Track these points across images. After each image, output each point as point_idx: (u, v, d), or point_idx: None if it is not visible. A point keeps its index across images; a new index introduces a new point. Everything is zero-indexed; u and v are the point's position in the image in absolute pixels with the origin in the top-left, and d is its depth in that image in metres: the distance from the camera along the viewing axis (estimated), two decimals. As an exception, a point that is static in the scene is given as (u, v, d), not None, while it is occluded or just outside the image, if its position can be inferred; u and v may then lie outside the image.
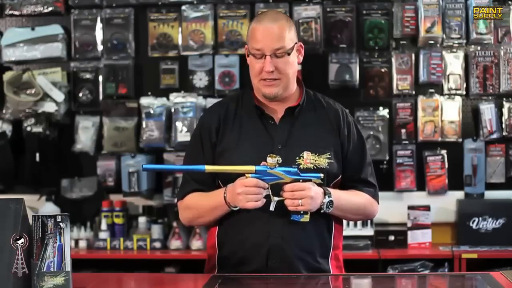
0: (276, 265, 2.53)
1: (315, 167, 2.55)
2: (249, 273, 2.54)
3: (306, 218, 2.48)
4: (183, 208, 2.65)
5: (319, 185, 2.51)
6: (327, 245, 2.62)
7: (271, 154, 2.44)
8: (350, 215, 2.68)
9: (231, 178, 2.51)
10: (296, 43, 2.59)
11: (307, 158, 2.56)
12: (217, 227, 2.63)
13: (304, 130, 2.61)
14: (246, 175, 2.43)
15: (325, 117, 2.65)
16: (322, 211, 2.51)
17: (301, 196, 2.44)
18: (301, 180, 2.47)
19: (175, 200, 4.39)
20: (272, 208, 2.46)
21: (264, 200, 2.44)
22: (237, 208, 2.49)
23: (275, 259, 2.54)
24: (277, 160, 2.43)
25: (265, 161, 2.46)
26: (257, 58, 2.55)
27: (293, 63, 2.59)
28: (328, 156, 2.58)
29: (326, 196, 2.50)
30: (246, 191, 2.42)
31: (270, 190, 2.45)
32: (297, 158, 2.55)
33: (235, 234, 2.57)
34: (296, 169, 2.47)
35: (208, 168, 2.44)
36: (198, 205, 2.60)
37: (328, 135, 2.62)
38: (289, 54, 2.55)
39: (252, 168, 2.43)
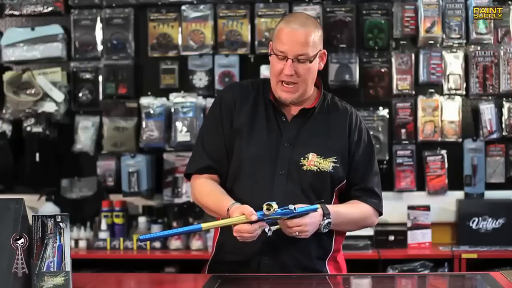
0: (268, 262, 2.54)
1: (318, 170, 2.55)
2: (241, 264, 2.55)
3: None
4: (194, 188, 2.64)
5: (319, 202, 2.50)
6: (326, 248, 2.62)
7: (269, 204, 2.39)
8: (346, 228, 2.67)
9: (239, 162, 2.54)
10: (320, 50, 2.58)
11: (312, 160, 2.56)
12: None
13: (313, 132, 2.61)
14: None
15: (338, 121, 2.64)
16: (318, 231, 2.50)
17: (297, 230, 2.44)
18: (298, 216, 2.43)
19: (178, 197, 4.46)
20: (269, 234, 2.44)
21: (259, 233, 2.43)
22: None
23: (268, 255, 2.54)
24: (274, 210, 2.39)
25: (272, 164, 2.47)
26: (279, 59, 2.54)
27: (314, 70, 2.58)
28: (333, 160, 2.58)
29: (325, 218, 2.49)
30: (242, 236, 2.41)
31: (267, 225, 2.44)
32: (302, 158, 2.56)
33: None
34: (292, 209, 2.42)
35: (205, 226, 2.41)
36: (204, 200, 2.61)
37: (337, 139, 2.61)
38: (311, 61, 2.54)
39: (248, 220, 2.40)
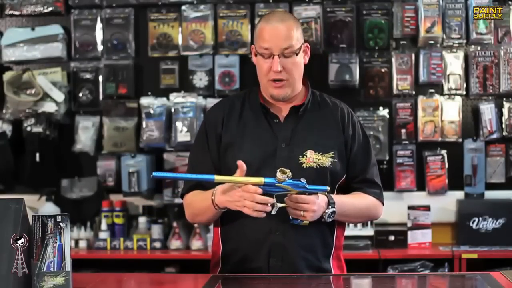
0: (278, 264, 2.54)
1: (318, 166, 2.56)
2: (252, 271, 2.54)
3: (306, 222, 2.48)
4: (185, 205, 2.68)
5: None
6: (329, 245, 2.62)
7: (282, 169, 2.40)
8: (353, 219, 2.70)
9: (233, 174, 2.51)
10: (303, 43, 2.60)
11: (310, 157, 2.56)
12: (220, 223, 2.64)
13: (308, 129, 2.61)
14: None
15: (330, 117, 2.65)
16: (322, 219, 2.50)
17: (304, 208, 2.44)
18: (307, 193, 2.44)
19: (178, 197, 4.46)
20: (274, 212, 2.43)
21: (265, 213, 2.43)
22: (225, 209, 2.48)
23: (277, 257, 2.54)
24: (287, 176, 2.39)
25: (271, 165, 2.46)
26: (265, 57, 2.56)
27: (300, 64, 2.60)
28: (331, 155, 2.59)
29: (330, 207, 2.49)
30: (255, 198, 2.38)
31: (275, 199, 2.42)
32: (300, 156, 2.56)
33: (237, 231, 2.57)
34: (304, 183, 2.43)
35: (218, 178, 2.41)
36: (193, 204, 2.63)
37: (332, 135, 2.63)
38: (296, 54, 2.56)
39: (261, 179, 2.39)
